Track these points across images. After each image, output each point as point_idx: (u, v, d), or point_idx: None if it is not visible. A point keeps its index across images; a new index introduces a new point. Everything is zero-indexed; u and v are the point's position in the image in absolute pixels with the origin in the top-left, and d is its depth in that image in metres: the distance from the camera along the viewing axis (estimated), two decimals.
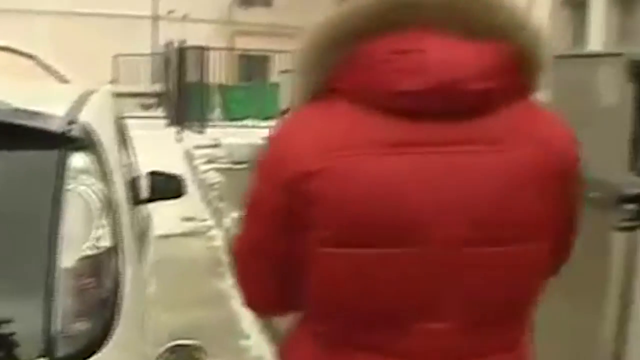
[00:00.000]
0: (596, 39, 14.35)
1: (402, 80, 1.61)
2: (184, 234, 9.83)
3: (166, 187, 5.08)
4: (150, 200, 5.20)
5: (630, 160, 2.62)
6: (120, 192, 2.97)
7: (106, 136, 3.07)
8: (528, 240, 1.71)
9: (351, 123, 1.67)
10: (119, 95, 27.59)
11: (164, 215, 9.21)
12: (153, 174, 5.08)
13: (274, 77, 27.34)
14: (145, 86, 31.41)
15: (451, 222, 1.65)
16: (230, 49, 29.47)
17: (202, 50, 24.12)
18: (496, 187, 1.67)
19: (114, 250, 2.69)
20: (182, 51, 23.65)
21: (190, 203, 9.91)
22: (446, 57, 1.61)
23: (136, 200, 4.59)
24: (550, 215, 1.72)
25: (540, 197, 1.69)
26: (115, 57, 31.51)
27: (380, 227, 1.65)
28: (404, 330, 1.71)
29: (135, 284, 2.85)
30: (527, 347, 1.83)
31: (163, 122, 24.25)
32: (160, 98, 28.51)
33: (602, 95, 12.24)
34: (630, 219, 2.60)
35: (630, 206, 2.63)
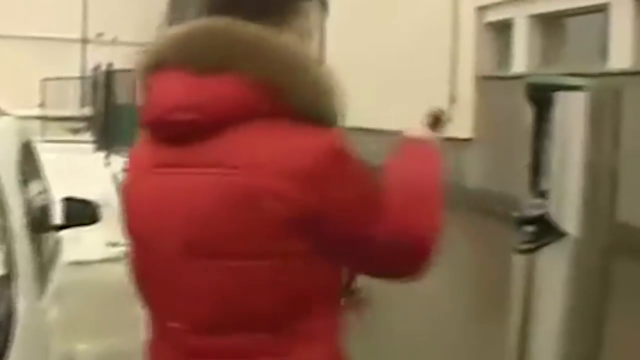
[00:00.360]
0: (520, 61, 14.54)
1: (143, 113, 1.96)
2: (108, 260, 9.69)
3: (81, 213, 5.01)
4: (64, 227, 5.14)
5: (530, 182, 2.63)
6: (16, 221, 2.91)
7: (2, 164, 3.01)
8: (246, 256, 1.88)
9: (141, 147, 2.05)
10: (47, 119, 27.16)
11: (89, 241, 9.15)
12: (67, 200, 5.01)
13: None
14: (73, 110, 31.11)
15: (171, 237, 1.92)
16: None
17: (130, 73, 23.84)
18: (209, 206, 1.87)
19: (6, 279, 2.64)
20: (109, 74, 23.43)
21: (117, 228, 9.80)
22: (161, 92, 1.91)
23: (45, 228, 4.53)
24: (280, 231, 1.85)
25: (260, 213, 1.84)
26: (43, 80, 31.15)
27: (133, 236, 2.02)
28: (163, 325, 2.02)
29: (32, 312, 2.80)
30: (297, 355, 1.95)
31: (92, 146, 24.02)
32: (89, 122, 28.24)
33: (522, 117, 12.33)
34: (529, 242, 2.61)
35: (530, 228, 2.64)
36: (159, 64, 1.92)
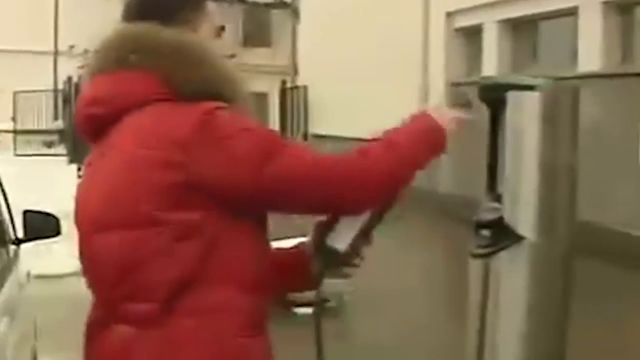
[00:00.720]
0: (490, 67, 14.51)
1: None
2: (76, 273, 9.60)
3: (42, 226, 4.93)
4: (24, 240, 5.04)
5: (487, 185, 2.57)
6: None
7: None
8: (141, 226, 2.12)
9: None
10: (20, 132, 27.04)
11: (57, 254, 9.08)
12: (27, 212, 4.92)
13: None
14: (46, 123, 30.95)
15: (85, 218, 2.24)
16: None
17: None
18: (109, 184, 2.18)
19: None
20: (80, 87, 23.32)
21: None
22: (83, 94, 2.32)
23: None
24: (171, 199, 2.10)
25: (151, 183, 2.11)
26: (16, 93, 30.95)
27: (77, 227, 2.28)
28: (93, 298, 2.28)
29: None
30: (182, 328, 2.13)
31: (65, 159, 23.89)
32: (61, 135, 28.08)
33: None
34: (485, 246, 2.54)
35: (486, 232, 2.57)
36: (91, 72, 2.29)
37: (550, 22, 14.14)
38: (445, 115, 2.45)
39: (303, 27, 25.10)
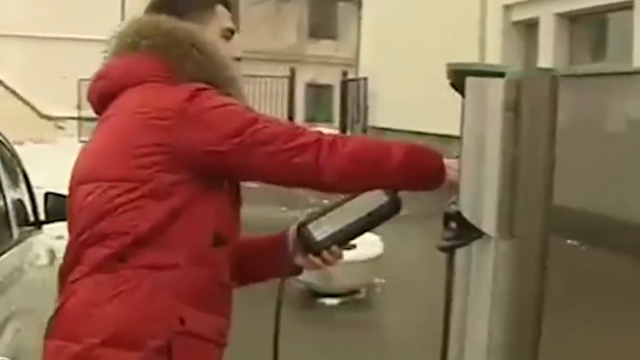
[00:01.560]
0: (547, 60, 14.28)
1: None
2: None
3: (63, 208, 4.91)
4: (44, 222, 5.05)
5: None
6: None
7: None
8: (116, 179, 2.38)
9: None
10: (84, 119, 27.28)
11: None
12: (49, 195, 4.92)
13: None
14: None
15: (75, 173, 2.52)
16: None
17: None
18: (100, 143, 2.48)
19: None
20: None
21: None
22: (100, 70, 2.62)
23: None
24: (148, 159, 2.37)
25: (133, 144, 2.38)
26: (80, 81, 31.26)
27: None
28: None
29: None
30: (123, 278, 2.34)
31: None
32: None
33: None
34: (450, 239, 2.46)
35: (453, 225, 2.49)
36: (108, 56, 2.62)
37: (608, 16, 13.89)
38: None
39: (365, 20, 25.01)
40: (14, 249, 4.44)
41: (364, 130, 22.64)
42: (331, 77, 28.25)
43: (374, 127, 21.94)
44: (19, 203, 5.04)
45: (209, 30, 2.64)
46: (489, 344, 2.42)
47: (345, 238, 2.57)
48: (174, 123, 2.37)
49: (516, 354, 2.48)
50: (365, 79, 23.15)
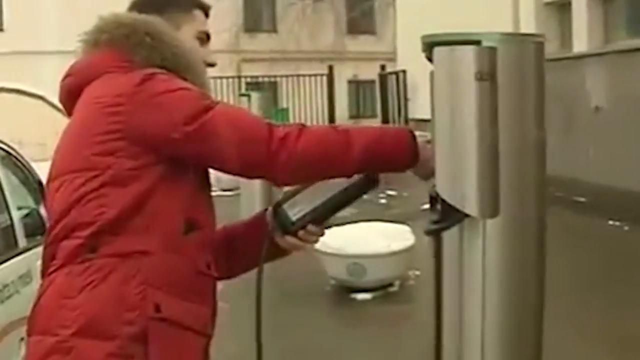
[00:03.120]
0: (581, 41, 14.04)
1: None
2: None
3: None
4: None
5: None
6: None
7: None
8: (79, 170, 2.39)
9: None
10: None
11: None
12: None
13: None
14: None
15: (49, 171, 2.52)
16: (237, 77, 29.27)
17: None
18: (66, 138, 2.50)
19: None
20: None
21: None
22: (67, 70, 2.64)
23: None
24: (107, 147, 2.36)
25: (93, 132, 2.39)
26: None
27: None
28: None
29: None
30: (95, 267, 2.33)
31: None
32: None
33: (586, 96, 11.83)
34: (435, 222, 2.31)
35: (439, 207, 2.34)
36: (80, 53, 2.65)
37: None
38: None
39: (400, 11, 24.85)
40: (21, 257, 4.46)
41: (406, 122, 22.45)
42: (372, 73, 28.05)
43: (415, 119, 21.76)
44: (35, 213, 5.09)
45: (184, 31, 2.68)
46: (483, 325, 2.30)
47: (321, 216, 2.54)
48: (126, 108, 2.38)
49: (515, 338, 2.35)
50: (403, 71, 22.95)
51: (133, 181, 2.37)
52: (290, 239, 2.57)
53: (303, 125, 2.42)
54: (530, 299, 2.42)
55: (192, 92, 2.43)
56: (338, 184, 2.51)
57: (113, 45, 2.55)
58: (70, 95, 2.58)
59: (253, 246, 2.63)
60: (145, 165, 2.38)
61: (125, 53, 2.53)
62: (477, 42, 2.28)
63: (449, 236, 2.34)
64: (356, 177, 2.50)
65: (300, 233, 2.55)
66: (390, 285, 7.97)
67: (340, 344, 6.35)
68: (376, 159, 2.41)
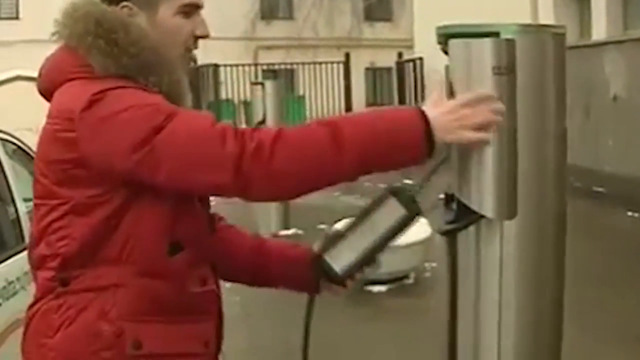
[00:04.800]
0: (600, 29, 13.91)
1: None
2: None
3: None
4: None
5: None
6: None
7: None
8: (44, 197, 2.25)
9: None
10: None
11: None
12: None
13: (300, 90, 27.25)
14: None
15: None
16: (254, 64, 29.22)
17: (215, 67, 24.18)
18: (37, 154, 2.31)
19: None
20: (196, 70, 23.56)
21: None
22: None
23: None
24: (68, 173, 2.18)
25: (54, 154, 2.20)
26: None
27: None
28: None
29: None
30: (67, 304, 2.19)
31: None
32: None
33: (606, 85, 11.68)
34: (450, 222, 2.21)
35: (454, 206, 2.24)
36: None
37: None
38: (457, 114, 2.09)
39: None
40: (26, 252, 4.33)
41: None
42: (389, 60, 27.94)
43: None
44: None
45: (162, 11, 2.33)
46: (500, 325, 2.21)
47: (366, 261, 2.35)
48: (77, 136, 2.15)
49: (532, 339, 2.27)
50: (420, 58, 22.83)
51: (96, 209, 2.17)
52: (335, 286, 2.43)
53: (279, 129, 2.12)
54: (548, 300, 2.33)
55: (141, 111, 2.13)
56: (379, 226, 2.29)
57: (72, 44, 2.28)
58: (46, 97, 2.36)
59: (286, 277, 2.56)
60: (107, 192, 2.17)
61: (83, 56, 2.26)
62: (496, 34, 2.17)
63: (464, 234, 2.25)
64: (399, 213, 2.30)
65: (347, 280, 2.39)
66: (406, 277, 7.89)
67: (355, 337, 6.28)
68: (377, 154, 2.11)
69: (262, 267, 2.56)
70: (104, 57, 2.22)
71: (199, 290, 2.29)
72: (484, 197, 2.13)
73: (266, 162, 2.05)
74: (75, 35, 2.28)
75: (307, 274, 2.41)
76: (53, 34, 2.33)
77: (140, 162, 2.09)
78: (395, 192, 2.29)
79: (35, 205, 2.30)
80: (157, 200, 2.19)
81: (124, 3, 2.32)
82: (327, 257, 2.32)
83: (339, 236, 2.32)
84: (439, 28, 2.32)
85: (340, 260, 2.31)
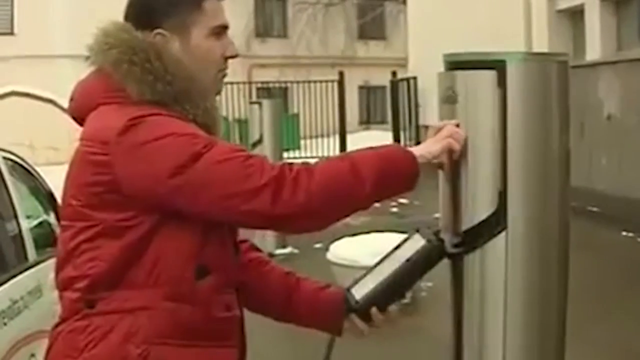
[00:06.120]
0: (594, 48, 13.98)
1: None
2: None
3: None
4: None
5: None
6: None
7: None
8: (73, 219, 2.28)
9: None
10: None
11: None
12: None
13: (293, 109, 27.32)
14: None
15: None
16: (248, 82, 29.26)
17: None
18: (69, 175, 2.33)
19: None
20: None
21: None
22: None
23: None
24: (98, 197, 2.22)
25: (87, 177, 2.24)
26: None
27: None
28: None
29: None
30: (94, 326, 2.20)
31: None
32: None
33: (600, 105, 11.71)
34: (457, 245, 2.25)
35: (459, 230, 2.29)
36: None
37: None
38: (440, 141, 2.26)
39: (410, 18, 24.81)
40: (31, 271, 4.39)
41: (417, 128, 22.41)
42: (383, 78, 28.05)
43: (426, 126, 21.72)
44: (46, 224, 5.00)
45: (195, 35, 2.38)
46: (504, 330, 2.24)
47: (388, 294, 2.35)
48: (111, 160, 2.19)
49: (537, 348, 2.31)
50: (414, 78, 22.91)
51: (126, 232, 2.20)
52: (355, 319, 2.37)
53: (307, 164, 2.22)
54: (552, 315, 2.38)
55: (180, 139, 2.18)
56: (400, 257, 2.33)
57: (105, 69, 2.32)
58: (77, 121, 2.40)
59: (314, 318, 2.54)
60: (137, 216, 2.20)
61: (118, 81, 2.29)
62: (501, 62, 2.23)
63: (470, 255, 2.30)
64: (418, 244, 2.33)
65: (369, 312, 2.35)
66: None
67: (351, 356, 6.28)
68: (385, 186, 2.24)
69: (292, 307, 2.57)
70: (139, 84, 2.26)
71: (223, 316, 2.32)
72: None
73: (304, 191, 2.14)
74: (109, 62, 2.30)
75: (335, 315, 2.41)
76: (86, 59, 2.35)
77: (177, 187, 2.14)
78: (420, 229, 2.35)
79: (63, 227, 2.31)
80: (185, 224, 2.22)
81: (158, 30, 2.35)
82: (352, 290, 2.36)
83: (367, 272, 2.37)
84: (446, 55, 2.37)
85: (360, 289, 2.35)
